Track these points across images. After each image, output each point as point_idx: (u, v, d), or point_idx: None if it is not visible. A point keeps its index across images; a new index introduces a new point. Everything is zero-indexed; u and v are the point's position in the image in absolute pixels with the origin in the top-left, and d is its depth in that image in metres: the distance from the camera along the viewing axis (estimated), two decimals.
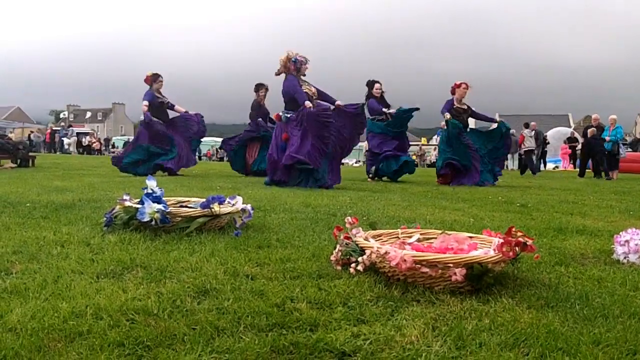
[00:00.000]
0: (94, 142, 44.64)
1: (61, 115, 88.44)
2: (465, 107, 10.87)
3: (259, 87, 12.07)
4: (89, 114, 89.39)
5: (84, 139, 46.20)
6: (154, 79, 11.23)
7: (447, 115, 10.49)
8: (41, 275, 2.39)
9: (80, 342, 1.68)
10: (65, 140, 36.75)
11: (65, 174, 10.38)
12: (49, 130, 36.38)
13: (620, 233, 3.16)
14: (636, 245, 2.99)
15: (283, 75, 8.54)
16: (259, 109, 11.96)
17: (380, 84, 11.44)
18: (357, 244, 2.61)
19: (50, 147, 34.80)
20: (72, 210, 4.47)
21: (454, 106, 10.75)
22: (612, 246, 3.19)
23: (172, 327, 1.80)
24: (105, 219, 3.58)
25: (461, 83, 10.89)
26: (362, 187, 8.66)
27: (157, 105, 11.13)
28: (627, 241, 3.05)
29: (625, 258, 3.03)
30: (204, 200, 3.66)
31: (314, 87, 8.60)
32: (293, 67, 8.45)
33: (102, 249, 2.96)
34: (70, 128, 41.12)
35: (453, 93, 10.89)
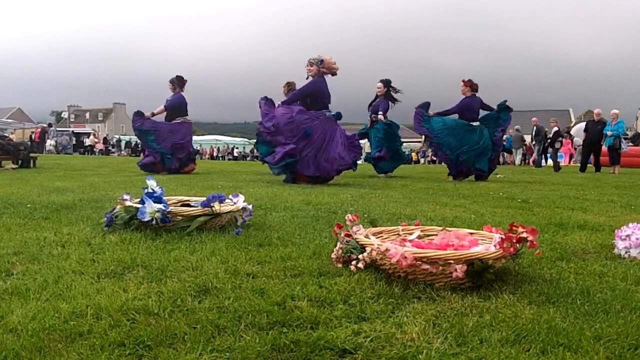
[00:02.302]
0: (97, 143, 44.37)
1: (62, 116, 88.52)
2: None
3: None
4: (89, 114, 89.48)
5: (85, 139, 45.98)
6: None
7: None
8: (42, 275, 2.40)
9: (80, 343, 1.68)
10: (48, 142, 36.27)
11: (66, 175, 10.38)
12: (38, 130, 35.83)
13: (622, 227, 3.15)
14: (637, 239, 2.99)
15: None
16: None
17: (382, 84, 11.55)
18: (357, 242, 2.61)
19: (40, 147, 34.03)
20: (73, 211, 4.47)
21: None
22: (614, 241, 3.19)
23: (173, 327, 1.80)
24: (106, 219, 3.58)
25: None
26: (363, 184, 8.65)
27: None
28: (628, 236, 3.04)
29: (626, 253, 3.02)
30: (204, 199, 3.66)
31: None
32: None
33: (103, 249, 2.96)
34: (51, 128, 40.31)
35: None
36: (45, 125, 40.06)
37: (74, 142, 46.82)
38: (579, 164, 17.41)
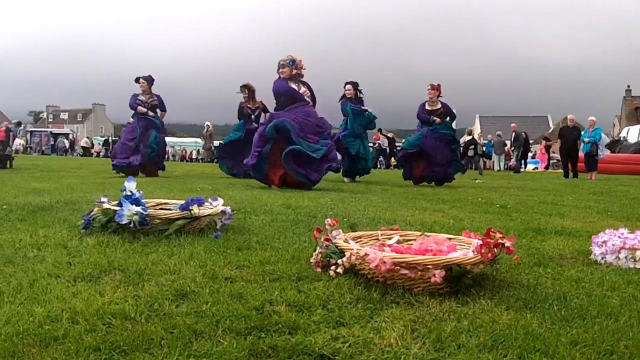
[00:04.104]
0: (94, 147, 43.24)
1: (41, 116, 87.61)
2: (437, 107, 10.77)
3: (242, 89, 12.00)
4: (68, 115, 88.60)
5: (65, 140, 45.29)
6: (137, 82, 11.65)
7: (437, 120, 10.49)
8: (16, 279, 2.36)
9: (55, 347, 1.65)
10: (17, 141, 35.46)
11: (43, 176, 10.27)
12: (3, 128, 34.95)
13: (598, 234, 3.19)
14: (613, 246, 3.02)
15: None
16: (241, 111, 11.90)
17: (351, 86, 11.50)
18: (337, 246, 2.61)
19: (4, 146, 32.87)
20: (50, 213, 4.42)
21: (426, 109, 10.72)
22: (590, 247, 3.22)
23: (150, 331, 1.78)
24: (83, 221, 3.54)
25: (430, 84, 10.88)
26: (343, 188, 8.67)
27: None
28: (604, 242, 3.08)
29: (602, 259, 3.06)
30: (183, 202, 3.63)
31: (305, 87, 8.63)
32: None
33: (80, 252, 2.93)
34: (20, 127, 39.11)
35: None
36: (11, 124, 38.89)
37: (52, 143, 46.16)
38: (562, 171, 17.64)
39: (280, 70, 8.40)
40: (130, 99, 11.49)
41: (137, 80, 11.66)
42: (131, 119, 11.67)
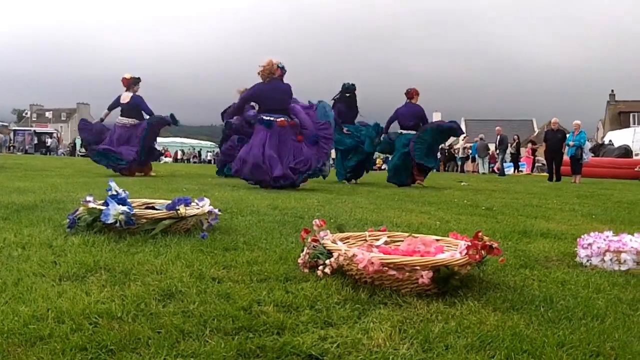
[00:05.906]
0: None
1: (25, 114, 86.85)
2: None
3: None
4: (52, 114, 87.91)
5: (55, 140, 44.85)
6: (134, 82, 11.30)
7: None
8: (1, 278, 2.33)
9: (41, 347, 1.64)
10: None
11: (26, 175, 10.17)
12: None
13: (583, 236, 3.21)
14: (598, 248, 3.04)
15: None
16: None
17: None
18: (324, 247, 2.61)
19: None
20: (34, 212, 4.37)
21: None
22: (576, 249, 3.25)
23: (137, 331, 1.77)
24: (68, 220, 3.51)
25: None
26: (330, 190, 8.67)
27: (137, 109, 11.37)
28: (589, 244, 3.10)
29: (588, 261, 3.08)
30: (170, 202, 3.62)
31: None
32: (280, 73, 8.42)
33: (65, 251, 2.90)
34: None
35: (412, 97, 10.76)
36: None
37: (36, 142, 45.75)
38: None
39: (275, 72, 8.40)
40: (146, 107, 11.28)
41: (138, 80, 11.33)
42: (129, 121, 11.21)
